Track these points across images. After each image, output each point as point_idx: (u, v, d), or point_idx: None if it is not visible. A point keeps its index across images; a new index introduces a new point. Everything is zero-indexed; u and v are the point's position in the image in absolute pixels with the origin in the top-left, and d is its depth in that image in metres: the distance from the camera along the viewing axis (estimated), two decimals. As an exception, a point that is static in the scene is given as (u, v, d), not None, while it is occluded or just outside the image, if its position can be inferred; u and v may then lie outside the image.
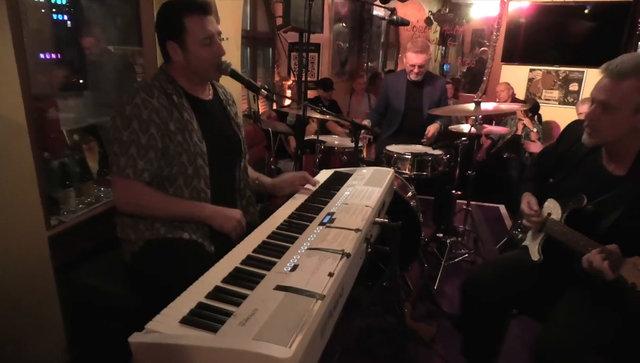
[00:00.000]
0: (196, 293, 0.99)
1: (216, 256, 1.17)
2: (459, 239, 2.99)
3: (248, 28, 4.44)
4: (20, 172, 1.53)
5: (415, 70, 3.12)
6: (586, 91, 5.37)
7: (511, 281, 1.66)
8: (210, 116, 1.59)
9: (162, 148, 1.45)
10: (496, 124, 5.08)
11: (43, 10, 1.99)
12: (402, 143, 2.97)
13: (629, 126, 1.39)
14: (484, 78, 6.18)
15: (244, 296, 0.97)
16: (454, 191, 2.86)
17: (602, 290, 1.42)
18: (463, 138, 2.73)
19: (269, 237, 1.29)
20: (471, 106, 2.52)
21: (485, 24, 6.84)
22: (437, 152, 2.78)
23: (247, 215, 1.66)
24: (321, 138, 3.08)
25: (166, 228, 1.48)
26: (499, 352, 1.88)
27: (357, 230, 1.30)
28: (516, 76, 5.61)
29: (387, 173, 1.92)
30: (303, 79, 2.56)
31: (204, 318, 0.91)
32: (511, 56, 5.66)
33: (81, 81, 2.24)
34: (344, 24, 6.38)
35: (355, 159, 2.17)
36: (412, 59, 3.09)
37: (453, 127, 3.10)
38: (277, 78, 5.33)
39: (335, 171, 1.99)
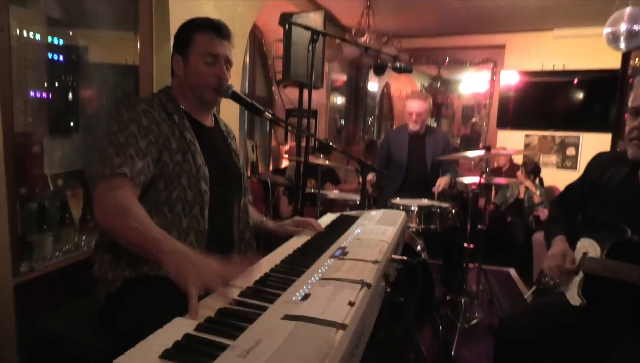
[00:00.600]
0: (182, 324, 0.78)
1: None
2: (475, 301, 2.74)
3: (247, 91, 4.48)
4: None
5: (414, 117, 3.08)
6: (584, 155, 5.38)
7: (550, 327, 1.43)
8: (211, 142, 1.47)
9: (161, 163, 1.30)
10: (497, 189, 5.01)
11: (39, 49, 1.93)
12: (408, 198, 2.83)
13: None
14: (480, 145, 6.22)
15: (243, 328, 0.76)
16: (465, 245, 2.67)
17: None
18: (473, 188, 2.60)
19: (271, 270, 1.09)
20: (481, 152, 2.43)
21: (474, 99, 7.03)
22: (445, 204, 2.64)
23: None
24: (322, 192, 2.94)
25: (150, 265, 1.27)
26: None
27: (375, 262, 1.11)
28: (512, 142, 5.65)
29: (399, 215, 1.76)
30: (304, 129, 2.47)
31: (191, 352, 0.69)
32: (506, 122, 5.73)
33: (71, 124, 2.14)
34: (340, 98, 6.55)
35: (363, 203, 2.00)
36: (412, 106, 3.07)
37: (459, 181, 2.99)
38: (274, 143, 5.32)
39: (342, 214, 1.82)
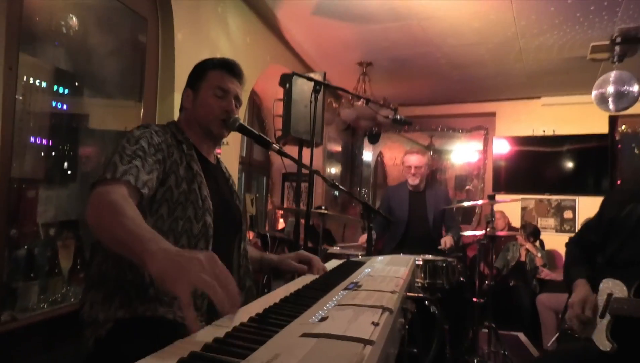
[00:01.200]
0: (188, 342, 0.69)
1: None
2: (488, 362, 2.56)
3: (244, 154, 4.52)
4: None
5: (413, 171, 3.08)
6: (581, 218, 5.36)
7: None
8: (214, 179, 1.43)
9: (165, 188, 1.24)
10: (497, 252, 4.92)
11: (44, 96, 1.94)
12: (409, 254, 2.74)
13: None
14: (477, 211, 6.22)
15: (255, 348, 0.66)
16: (475, 300, 2.54)
17: None
18: (481, 239, 2.53)
19: (281, 300, 1.00)
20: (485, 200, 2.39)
21: (467, 169, 7.13)
22: (450, 259, 2.55)
23: None
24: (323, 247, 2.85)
25: (146, 305, 1.17)
26: None
27: (392, 292, 1.03)
28: (508, 206, 5.64)
29: (408, 259, 1.68)
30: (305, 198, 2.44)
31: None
32: (500, 187, 5.77)
33: (69, 172, 2.09)
34: (334, 168, 6.62)
35: (369, 250, 1.92)
36: (410, 161, 3.09)
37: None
38: (270, 206, 5.27)
39: (348, 259, 1.74)
